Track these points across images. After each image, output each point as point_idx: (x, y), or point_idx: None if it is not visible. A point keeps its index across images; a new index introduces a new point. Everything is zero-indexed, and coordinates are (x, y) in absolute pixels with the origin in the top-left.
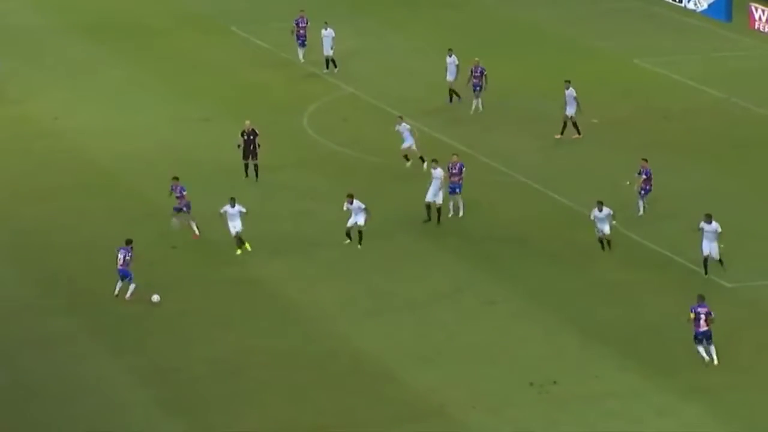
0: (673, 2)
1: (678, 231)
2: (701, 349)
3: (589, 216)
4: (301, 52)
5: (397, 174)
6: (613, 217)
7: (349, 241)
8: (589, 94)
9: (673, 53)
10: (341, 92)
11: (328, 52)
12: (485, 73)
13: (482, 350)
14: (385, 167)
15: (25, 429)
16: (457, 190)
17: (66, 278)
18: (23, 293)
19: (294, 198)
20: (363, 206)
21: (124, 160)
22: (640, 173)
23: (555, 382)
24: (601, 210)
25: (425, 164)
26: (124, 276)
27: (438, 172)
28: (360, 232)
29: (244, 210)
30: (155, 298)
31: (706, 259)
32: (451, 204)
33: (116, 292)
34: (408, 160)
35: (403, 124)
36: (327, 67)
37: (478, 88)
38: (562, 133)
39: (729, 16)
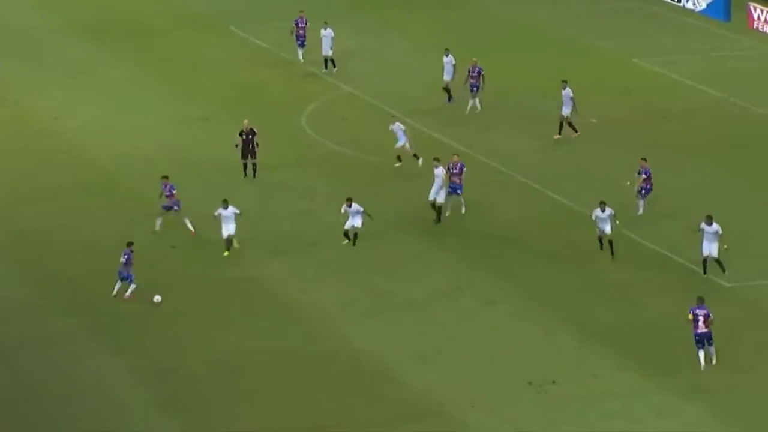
0: (672, 2)
1: (677, 231)
2: (701, 354)
3: (591, 216)
4: (300, 53)
5: (396, 173)
6: (615, 218)
7: (347, 241)
8: (589, 94)
9: (672, 53)
10: (340, 92)
11: (327, 51)
12: (483, 73)
13: (481, 350)
14: (384, 167)
15: (25, 429)
16: (458, 191)
17: (66, 278)
18: (23, 293)
19: (293, 198)
20: (362, 209)
21: (124, 160)
22: (639, 173)
23: (554, 382)
24: (603, 210)
25: (420, 160)
26: (124, 278)
27: (439, 171)
28: (355, 234)
29: (237, 211)
30: (157, 298)
31: (705, 260)
32: (449, 204)
33: (114, 292)
34: (400, 160)
35: (397, 123)
36: (326, 67)
37: (475, 89)
38: (560, 133)
39: (728, 16)
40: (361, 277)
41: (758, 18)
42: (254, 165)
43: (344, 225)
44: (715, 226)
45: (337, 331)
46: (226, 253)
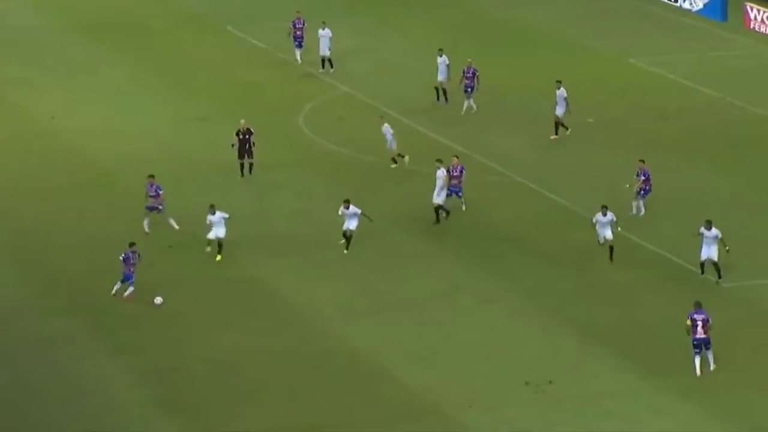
0: (669, 2)
1: (674, 231)
2: (697, 360)
3: (592, 219)
4: (298, 53)
5: (393, 173)
6: (616, 224)
7: (344, 241)
8: (585, 94)
9: (668, 53)
10: (337, 92)
11: (324, 51)
12: (477, 74)
13: (478, 349)
14: (380, 166)
15: (25, 428)
16: (459, 194)
17: (65, 278)
18: (22, 293)
19: (290, 197)
20: (359, 211)
21: (124, 160)
22: (638, 175)
23: (551, 382)
24: (605, 215)
25: (406, 158)
26: (125, 278)
27: (441, 172)
28: (349, 238)
29: (226, 216)
30: (158, 300)
31: (703, 263)
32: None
33: (113, 291)
34: (395, 162)
35: (385, 125)
36: (323, 67)
37: (469, 89)
38: (556, 134)
39: (724, 16)
40: (357, 277)
41: (755, 18)
42: (251, 165)
43: (342, 225)
44: (715, 231)
45: (334, 331)
46: (218, 257)
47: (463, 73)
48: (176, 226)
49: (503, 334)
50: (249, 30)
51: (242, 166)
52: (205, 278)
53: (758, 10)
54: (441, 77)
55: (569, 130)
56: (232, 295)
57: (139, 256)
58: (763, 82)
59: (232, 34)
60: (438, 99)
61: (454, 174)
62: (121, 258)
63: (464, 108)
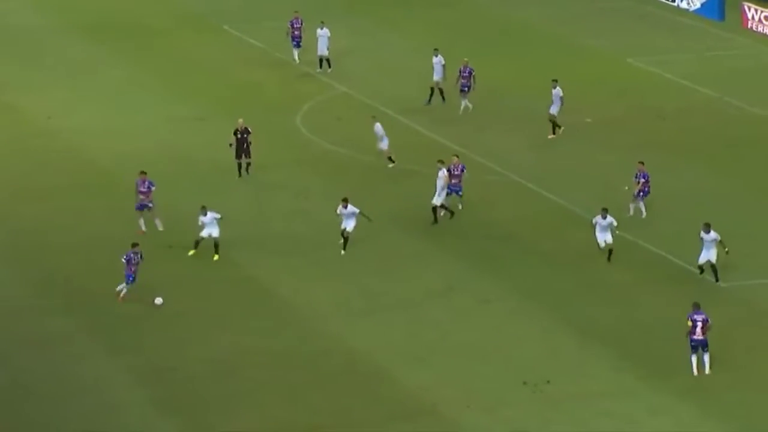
0: (666, 1)
1: (673, 231)
2: (694, 360)
3: (591, 220)
4: (296, 53)
5: (391, 173)
6: (615, 228)
7: (343, 240)
8: (583, 94)
9: (666, 52)
10: (335, 91)
11: (323, 51)
12: (474, 73)
13: (476, 349)
14: (378, 166)
15: (23, 428)
16: (459, 193)
17: (63, 278)
18: (21, 293)
19: (288, 197)
20: (357, 211)
21: (123, 160)
22: (637, 176)
23: (548, 382)
24: (605, 218)
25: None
26: (129, 280)
27: (442, 173)
28: (346, 239)
29: (218, 216)
30: (158, 300)
31: (701, 266)
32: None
33: (121, 295)
34: (392, 161)
35: (377, 124)
36: (320, 67)
37: (466, 89)
38: (554, 133)
39: (722, 15)
40: (355, 277)
41: (752, 17)
42: (248, 164)
43: (341, 225)
44: (713, 234)
45: (332, 331)
46: (215, 257)
47: (460, 72)
48: (161, 227)
49: (501, 333)
50: (247, 30)
51: (240, 165)
52: (203, 278)
53: (756, 10)
54: (437, 77)
55: (562, 128)
56: (231, 295)
57: (141, 256)
58: (760, 82)
59: (231, 33)
60: (429, 101)
61: (455, 173)
62: (123, 259)
63: (462, 108)
